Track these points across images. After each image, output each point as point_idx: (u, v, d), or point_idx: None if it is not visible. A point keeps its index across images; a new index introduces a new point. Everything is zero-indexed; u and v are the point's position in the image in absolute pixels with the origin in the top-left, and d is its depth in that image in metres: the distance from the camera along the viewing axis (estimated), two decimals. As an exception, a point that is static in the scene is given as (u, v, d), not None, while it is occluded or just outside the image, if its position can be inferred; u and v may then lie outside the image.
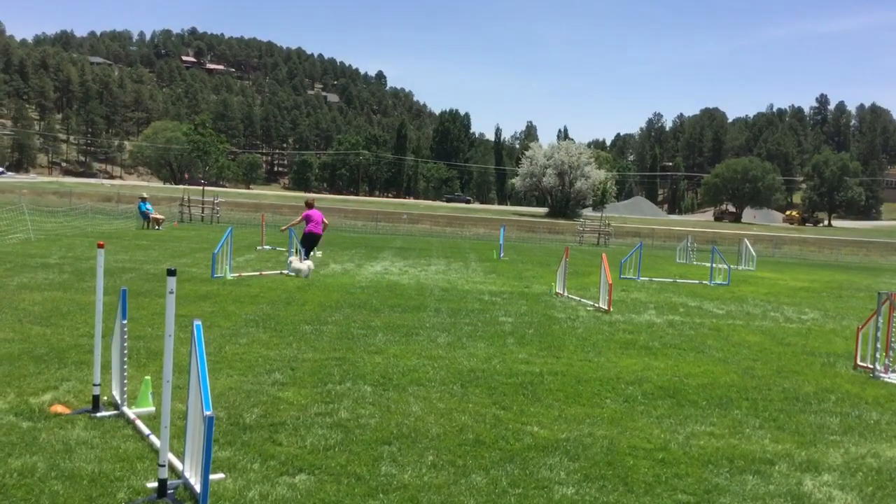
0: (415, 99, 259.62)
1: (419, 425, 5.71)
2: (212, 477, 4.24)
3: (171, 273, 4.37)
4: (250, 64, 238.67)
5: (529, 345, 9.26)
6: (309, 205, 18.72)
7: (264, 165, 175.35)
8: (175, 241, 23.48)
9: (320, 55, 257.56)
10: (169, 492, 4.22)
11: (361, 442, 5.26)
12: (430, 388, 6.84)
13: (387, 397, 6.46)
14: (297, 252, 16.89)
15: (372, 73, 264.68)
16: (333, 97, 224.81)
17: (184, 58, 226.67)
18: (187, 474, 4.38)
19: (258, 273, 15.59)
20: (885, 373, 8.49)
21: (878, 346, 8.51)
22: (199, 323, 4.31)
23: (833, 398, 7.38)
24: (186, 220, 36.99)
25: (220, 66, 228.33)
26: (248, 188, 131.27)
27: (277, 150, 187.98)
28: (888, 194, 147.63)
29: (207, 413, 4.03)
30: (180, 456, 4.58)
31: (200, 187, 46.00)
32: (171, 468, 4.50)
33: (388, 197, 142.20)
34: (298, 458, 4.87)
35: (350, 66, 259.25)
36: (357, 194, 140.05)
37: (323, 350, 8.23)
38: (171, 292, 4.36)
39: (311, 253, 18.78)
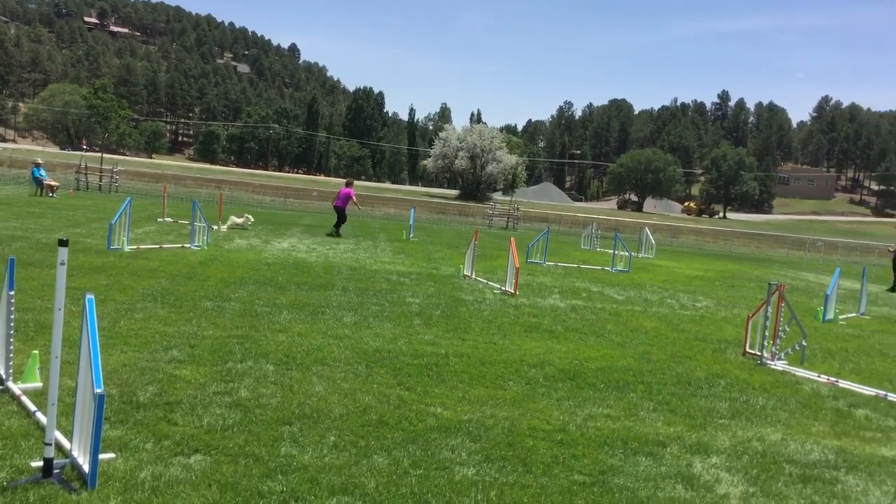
0: (328, 74, 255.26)
1: (322, 405, 5.66)
2: (101, 456, 4.07)
3: (62, 243, 4.15)
4: (157, 28, 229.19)
5: (436, 326, 9.30)
6: (347, 183, 23.46)
7: (168, 134, 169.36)
8: (70, 209, 22.41)
9: (231, 23, 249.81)
10: (55, 471, 4.04)
11: (261, 422, 5.16)
12: (334, 368, 6.78)
13: (289, 376, 6.37)
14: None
15: (285, 45, 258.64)
16: (244, 68, 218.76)
17: (86, 19, 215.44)
18: (75, 453, 4.20)
19: (158, 246, 15.07)
20: (772, 360, 8.93)
21: (767, 334, 8.94)
22: (92, 297, 4.13)
23: (723, 383, 7.71)
24: (83, 189, 35.37)
25: (125, 30, 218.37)
26: (151, 157, 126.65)
27: (183, 120, 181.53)
28: (780, 189, 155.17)
29: (98, 390, 3.87)
30: (68, 434, 4.39)
31: (93, 153, 43.98)
32: (59, 447, 4.31)
33: (298, 173, 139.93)
34: (194, 437, 4.74)
35: (262, 36, 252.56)
36: (266, 169, 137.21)
37: (224, 327, 8.03)
38: (63, 263, 4.15)
39: (339, 228, 22.43)
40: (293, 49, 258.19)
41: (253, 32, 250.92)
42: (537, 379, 7.12)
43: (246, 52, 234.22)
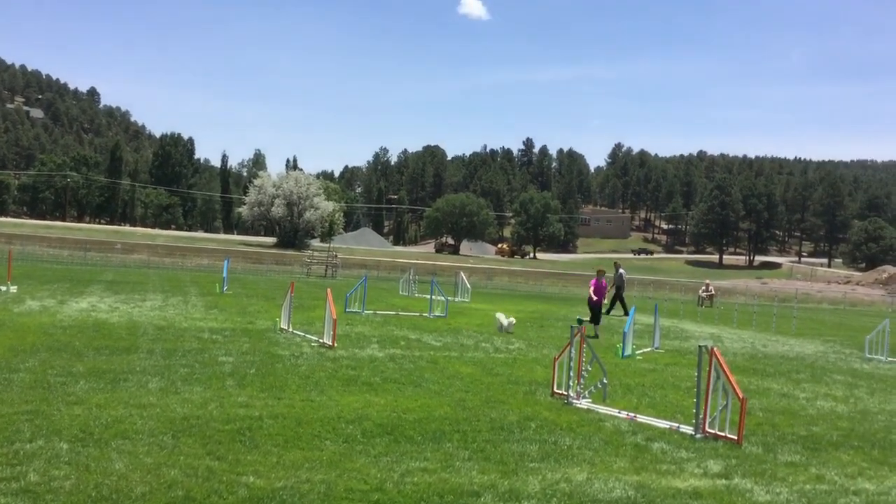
0: (132, 119, 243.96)
1: (122, 485, 5.28)
2: None
3: None
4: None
5: (250, 386, 9.00)
6: (598, 274, 18.86)
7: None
8: None
9: (23, 66, 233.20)
10: None
11: (52, 510, 4.73)
12: (136, 442, 6.36)
13: (86, 454, 5.90)
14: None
15: (83, 88, 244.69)
16: (37, 112, 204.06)
17: None
18: None
19: (-67, 312, 13.55)
20: (578, 399, 9.42)
21: (571, 374, 9.43)
22: None
23: (533, 426, 8.01)
24: None
25: None
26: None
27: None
28: (582, 230, 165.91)
29: None
30: None
31: None
32: None
33: (100, 223, 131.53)
34: (-29, 536, 4.27)
35: (58, 79, 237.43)
36: (64, 220, 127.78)
37: (12, 403, 7.32)
38: None
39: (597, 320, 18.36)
40: (93, 93, 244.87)
41: (47, 75, 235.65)
42: (355, 436, 7.06)
43: (39, 97, 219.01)
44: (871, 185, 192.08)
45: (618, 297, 25.88)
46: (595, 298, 18.22)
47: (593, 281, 18.57)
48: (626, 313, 25.40)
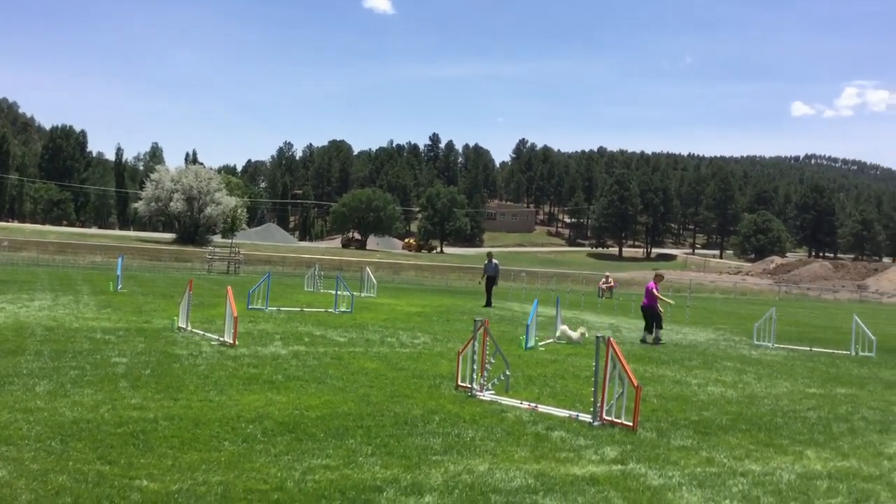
0: (20, 111, 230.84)
1: (6, 493, 5.01)
2: None
3: None
4: None
5: (145, 387, 8.69)
6: (655, 277, 18.69)
7: None
8: None
9: None
10: None
11: (-76, 525, 4.45)
12: (22, 447, 6.05)
13: (-35, 464, 5.57)
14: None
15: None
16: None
17: None
18: None
19: None
20: (481, 391, 9.53)
21: (475, 367, 9.53)
22: None
23: (437, 419, 8.05)
24: None
25: None
26: None
27: None
28: (489, 224, 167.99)
29: None
30: None
31: None
32: None
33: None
34: None
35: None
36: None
37: None
38: None
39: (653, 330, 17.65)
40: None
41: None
42: (255, 435, 6.92)
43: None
44: (760, 180, 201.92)
45: (489, 287, 27.53)
46: (648, 303, 17.60)
47: (650, 284, 17.96)
48: (488, 304, 26.44)
